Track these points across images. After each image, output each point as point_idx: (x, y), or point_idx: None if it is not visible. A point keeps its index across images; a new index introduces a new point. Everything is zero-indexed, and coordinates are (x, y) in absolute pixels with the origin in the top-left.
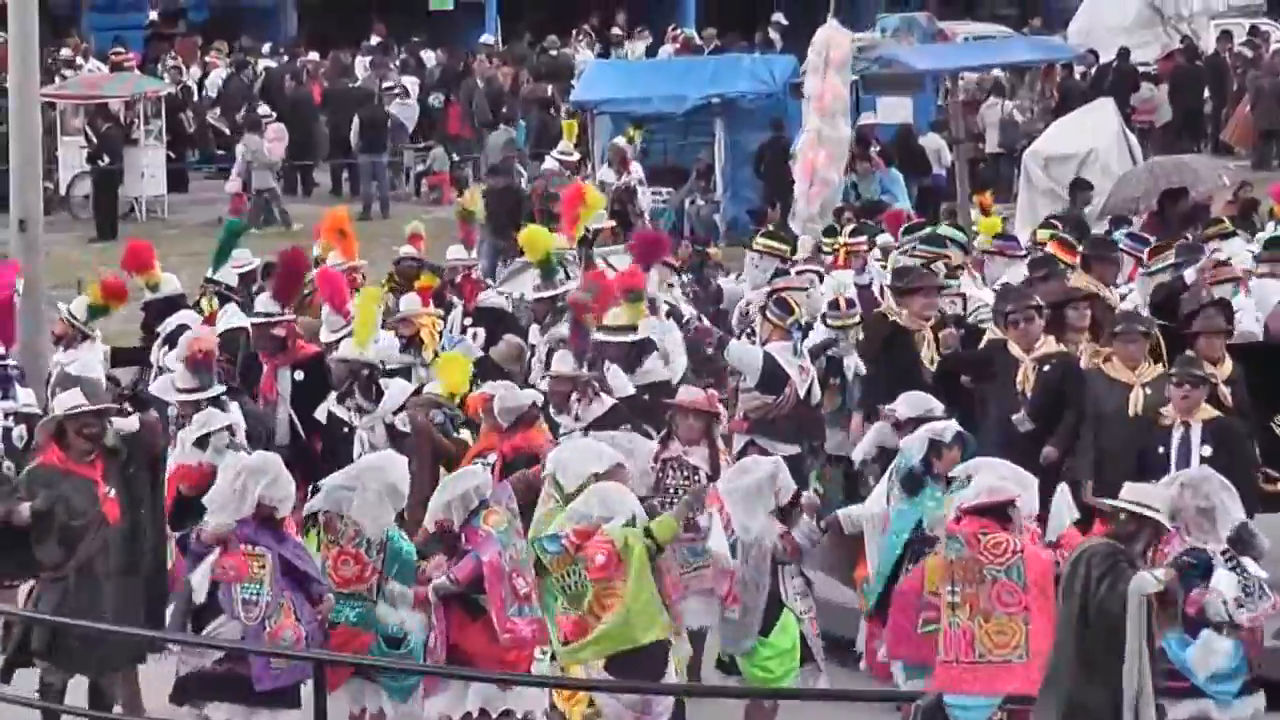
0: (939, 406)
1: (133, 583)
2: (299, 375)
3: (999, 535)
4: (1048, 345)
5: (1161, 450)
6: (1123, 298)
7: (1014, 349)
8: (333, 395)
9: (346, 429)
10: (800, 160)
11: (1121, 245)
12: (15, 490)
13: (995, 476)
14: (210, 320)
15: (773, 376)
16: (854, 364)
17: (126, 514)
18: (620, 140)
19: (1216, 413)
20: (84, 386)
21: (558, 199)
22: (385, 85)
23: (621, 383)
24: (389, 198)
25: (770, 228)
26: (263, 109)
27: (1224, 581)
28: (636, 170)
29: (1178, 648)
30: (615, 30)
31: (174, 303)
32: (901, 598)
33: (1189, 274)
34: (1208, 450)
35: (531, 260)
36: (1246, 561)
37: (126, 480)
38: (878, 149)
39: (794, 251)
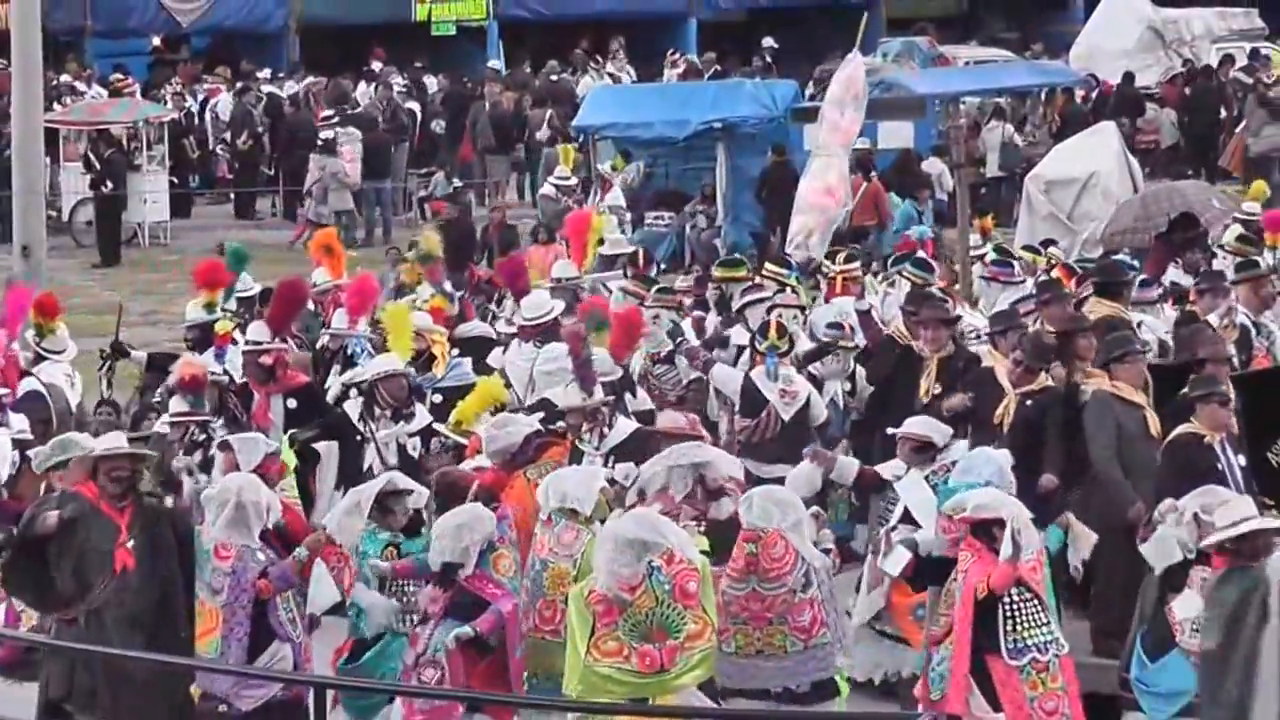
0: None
1: (151, 646)
2: (291, 403)
3: (961, 553)
4: (1038, 380)
5: (1219, 467)
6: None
7: (1002, 378)
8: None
9: (360, 437)
10: (818, 189)
11: None
12: (46, 501)
13: (990, 495)
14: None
15: (752, 400)
16: (835, 388)
17: (146, 574)
18: (604, 166)
19: None
20: (28, 405)
21: (514, 229)
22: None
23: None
24: (391, 222)
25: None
26: (328, 132)
27: (1182, 603)
28: (613, 196)
29: (1136, 664)
30: (613, 57)
31: None
32: None
33: (1213, 309)
34: (1242, 460)
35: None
36: None
37: (152, 542)
38: (874, 174)
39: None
